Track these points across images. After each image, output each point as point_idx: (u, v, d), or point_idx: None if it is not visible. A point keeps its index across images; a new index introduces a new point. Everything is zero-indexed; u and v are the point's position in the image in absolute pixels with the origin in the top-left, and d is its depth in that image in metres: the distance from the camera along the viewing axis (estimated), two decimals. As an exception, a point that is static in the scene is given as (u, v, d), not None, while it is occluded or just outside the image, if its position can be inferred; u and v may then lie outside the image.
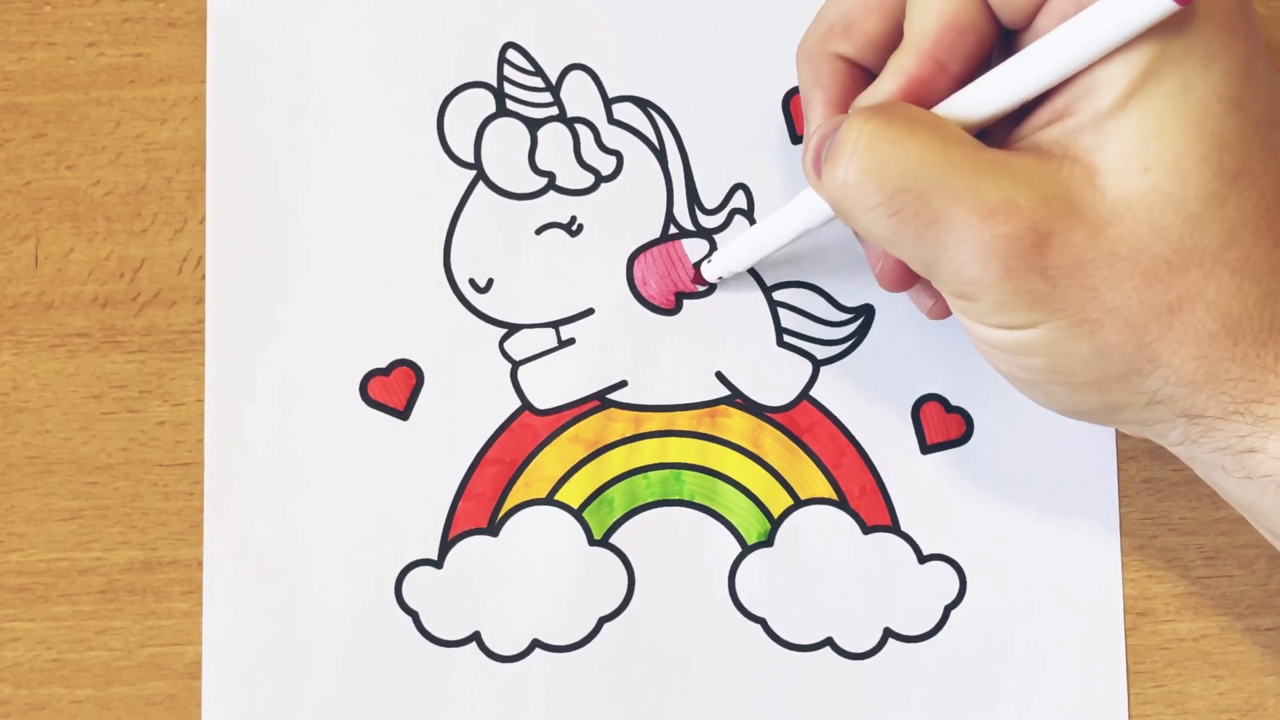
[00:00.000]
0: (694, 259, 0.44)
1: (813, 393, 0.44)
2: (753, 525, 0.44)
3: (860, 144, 0.34)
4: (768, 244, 0.41)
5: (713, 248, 0.44)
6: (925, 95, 0.35)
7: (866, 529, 0.44)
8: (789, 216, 0.39)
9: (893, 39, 0.36)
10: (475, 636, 0.43)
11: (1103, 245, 0.33)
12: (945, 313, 0.40)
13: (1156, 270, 0.33)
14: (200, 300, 0.44)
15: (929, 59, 0.35)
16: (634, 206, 0.44)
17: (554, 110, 0.44)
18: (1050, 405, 0.36)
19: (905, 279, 0.39)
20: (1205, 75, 0.32)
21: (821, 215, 0.38)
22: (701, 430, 0.44)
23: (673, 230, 0.44)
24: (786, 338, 0.44)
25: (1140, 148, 0.32)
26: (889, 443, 0.44)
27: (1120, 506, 0.44)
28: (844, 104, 0.38)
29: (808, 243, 0.44)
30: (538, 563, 0.44)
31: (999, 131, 0.35)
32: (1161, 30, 0.32)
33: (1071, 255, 0.33)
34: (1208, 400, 0.34)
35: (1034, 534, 0.44)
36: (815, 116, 0.38)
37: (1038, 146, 0.34)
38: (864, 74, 0.38)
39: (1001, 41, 0.36)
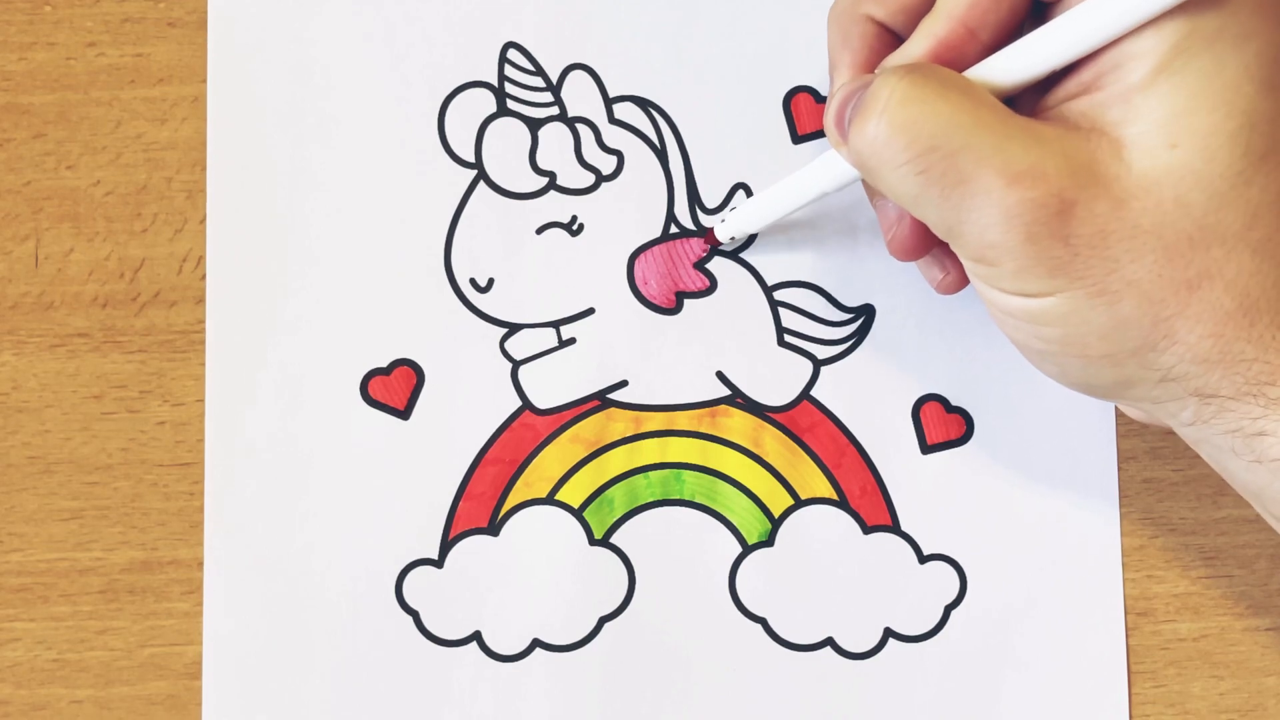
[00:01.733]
0: (694, 258, 0.44)
1: (813, 393, 0.44)
2: (753, 525, 0.44)
3: (893, 101, 0.34)
4: (784, 206, 0.41)
5: (715, 246, 0.44)
6: (954, 61, 0.35)
7: (866, 529, 0.44)
8: (807, 178, 0.39)
9: (925, 4, 0.37)
10: (475, 636, 0.43)
11: (1126, 218, 0.33)
12: (954, 287, 0.40)
13: (1178, 245, 0.33)
14: (200, 300, 0.44)
15: (960, 25, 0.35)
16: (635, 206, 0.44)
17: (555, 110, 0.44)
18: (1062, 379, 0.37)
19: (917, 248, 0.39)
20: (1238, 54, 0.32)
21: (841, 178, 0.38)
22: (702, 430, 0.44)
23: (673, 230, 0.44)
24: (787, 338, 0.44)
25: (1169, 123, 0.32)
26: (889, 443, 0.44)
27: (1120, 506, 0.44)
28: (870, 66, 0.38)
29: (808, 242, 0.44)
30: (538, 562, 0.44)
31: (1025, 101, 0.35)
32: (1195, 6, 0.32)
33: (1095, 225, 0.33)
34: (1221, 380, 0.34)
35: (1034, 534, 0.44)
36: (841, 76, 0.38)
37: (1065, 118, 0.34)
38: (893, 38, 0.38)
39: (1032, 15, 0.36)
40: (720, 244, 0.44)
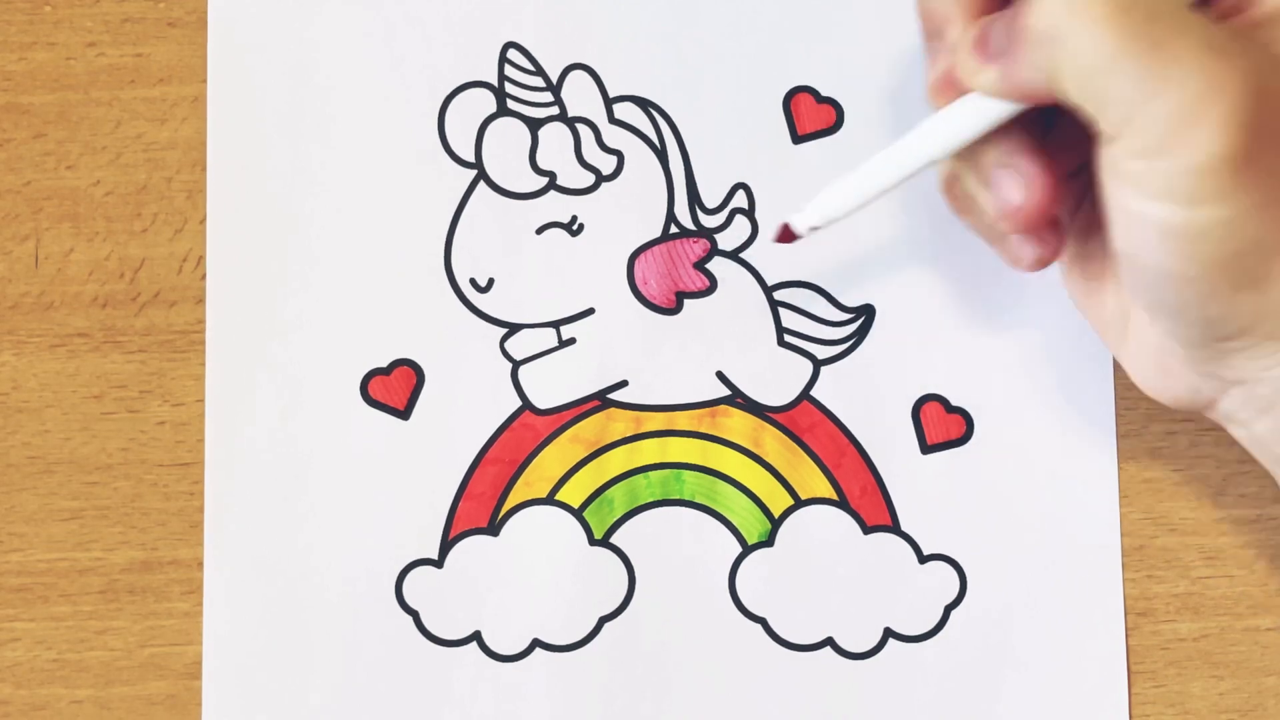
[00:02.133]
0: (694, 258, 0.44)
1: (813, 393, 0.44)
2: (753, 525, 0.44)
3: None
4: (881, 183, 0.38)
5: (714, 247, 0.44)
6: None
7: (866, 529, 0.44)
8: (914, 146, 0.37)
9: None
10: (475, 636, 0.43)
11: None
12: (1045, 262, 0.38)
13: None
14: (200, 300, 0.44)
15: None
16: (635, 206, 0.44)
17: (555, 110, 0.44)
18: (1177, 313, 0.35)
19: (1046, 209, 0.36)
20: None
21: (957, 137, 0.36)
22: (702, 430, 0.44)
23: (673, 230, 0.44)
24: (787, 338, 0.44)
25: None
26: (889, 443, 0.44)
27: (1120, 506, 0.44)
28: (985, 13, 0.36)
29: (808, 242, 0.44)
30: (538, 563, 0.44)
31: None
32: None
33: None
34: None
35: (1034, 534, 0.44)
36: (957, 27, 0.36)
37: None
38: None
39: None
40: (798, 237, 0.39)
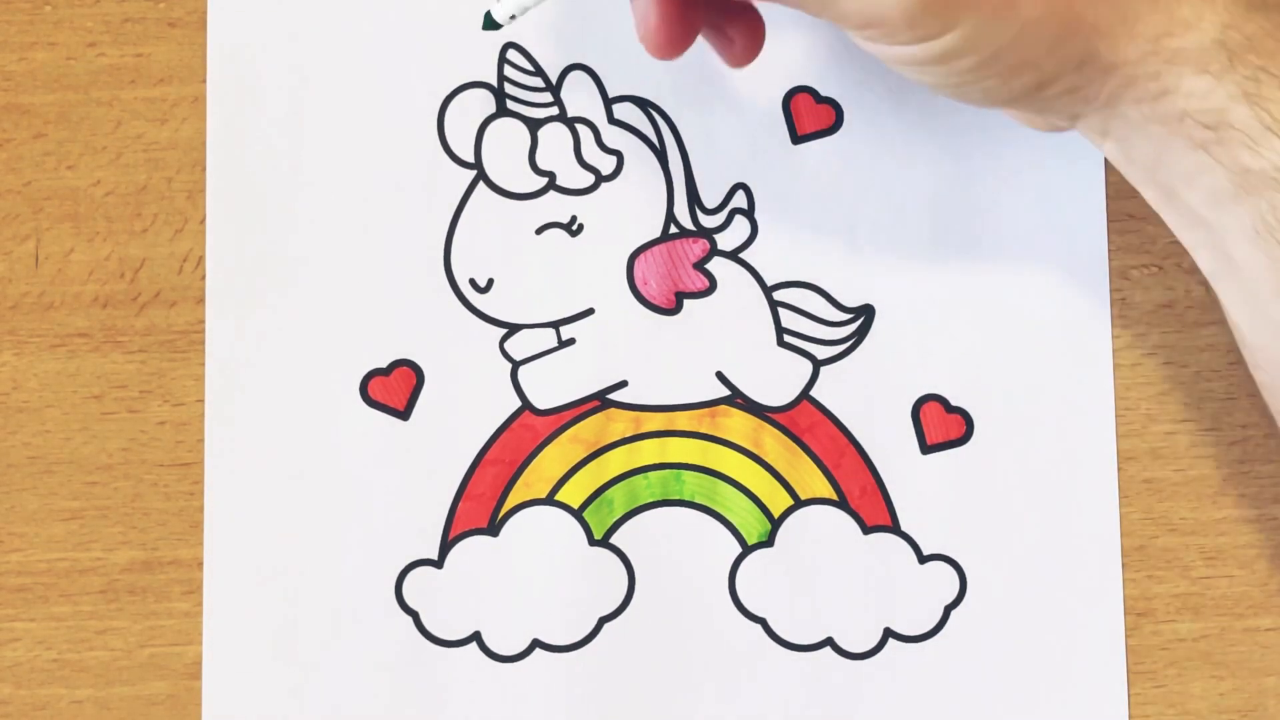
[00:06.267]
0: (694, 259, 0.44)
1: (813, 393, 0.44)
2: (753, 525, 0.44)
3: None
4: None
5: (714, 247, 0.44)
6: None
7: (866, 529, 0.44)
8: None
9: None
10: (475, 636, 0.43)
11: None
12: (746, 57, 0.40)
13: None
14: (200, 300, 0.44)
15: None
16: (634, 206, 0.44)
17: (554, 110, 0.44)
18: (985, 101, 0.37)
19: (676, 39, 0.38)
20: None
21: None
22: (702, 430, 0.44)
23: (673, 230, 0.44)
24: (786, 338, 0.44)
25: None
26: (889, 443, 0.44)
27: (1120, 506, 0.44)
28: None
29: (808, 241, 0.44)
30: (538, 563, 0.44)
31: None
32: None
33: None
34: (1126, 46, 0.35)
35: (1034, 534, 0.44)
36: None
37: None
38: None
39: None
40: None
